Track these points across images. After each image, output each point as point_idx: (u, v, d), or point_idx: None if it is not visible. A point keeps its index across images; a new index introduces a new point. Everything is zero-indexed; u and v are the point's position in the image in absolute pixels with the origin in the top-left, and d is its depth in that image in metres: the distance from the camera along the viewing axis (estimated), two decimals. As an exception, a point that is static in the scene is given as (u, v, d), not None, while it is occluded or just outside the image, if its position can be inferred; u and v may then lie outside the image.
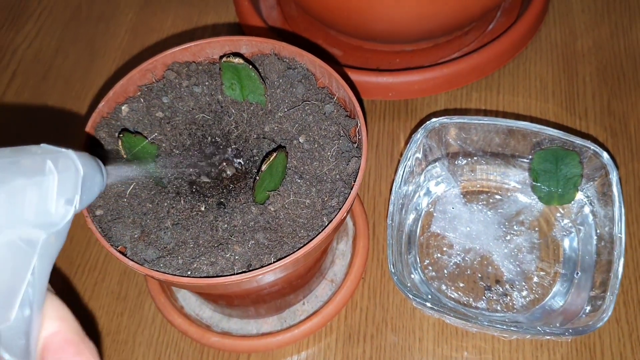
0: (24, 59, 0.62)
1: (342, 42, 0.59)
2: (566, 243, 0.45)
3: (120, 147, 0.35)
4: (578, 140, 0.43)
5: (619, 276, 0.39)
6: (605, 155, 0.42)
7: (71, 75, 0.60)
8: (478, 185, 0.48)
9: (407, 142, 0.52)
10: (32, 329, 0.21)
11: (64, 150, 0.22)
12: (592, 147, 0.43)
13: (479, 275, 0.45)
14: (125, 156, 0.35)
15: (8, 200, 0.20)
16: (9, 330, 0.21)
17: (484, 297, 0.44)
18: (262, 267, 0.33)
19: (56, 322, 0.23)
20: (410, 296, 0.39)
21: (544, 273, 0.44)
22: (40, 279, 0.21)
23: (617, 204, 0.41)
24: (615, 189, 0.41)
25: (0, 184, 0.19)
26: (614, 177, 0.42)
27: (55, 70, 0.61)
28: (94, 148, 0.37)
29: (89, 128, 0.37)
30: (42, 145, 0.23)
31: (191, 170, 0.37)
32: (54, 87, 0.60)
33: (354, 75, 0.54)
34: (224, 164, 0.38)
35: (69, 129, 0.57)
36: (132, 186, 0.37)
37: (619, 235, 0.40)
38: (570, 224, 0.46)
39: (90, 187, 0.24)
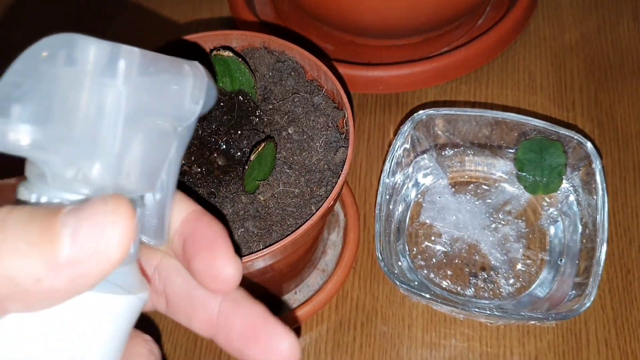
0: (21, 56, 0.63)
1: (334, 37, 0.60)
2: (552, 231, 0.46)
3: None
4: (562, 131, 0.44)
5: (602, 263, 0.40)
6: (588, 144, 0.43)
7: (68, 72, 0.61)
8: (466, 176, 0.49)
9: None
10: (165, 211, 0.24)
11: (192, 61, 0.25)
12: (575, 137, 0.43)
13: (467, 263, 0.46)
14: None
15: (159, 91, 0.22)
16: (144, 213, 0.23)
17: (471, 285, 0.45)
18: (251, 253, 0.34)
19: (191, 205, 0.25)
20: (397, 282, 0.40)
21: (530, 261, 0.45)
22: (174, 166, 0.24)
23: (600, 192, 0.42)
24: (598, 178, 0.42)
25: (153, 75, 0.21)
26: (597, 165, 0.43)
27: (52, 67, 0.62)
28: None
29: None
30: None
31: (183, 161, 0.38)
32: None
33: (346, 70, 0.55)
34: (215, 154, 0.39)
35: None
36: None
37: (602, 222, 0.41)
38: (556, 213, 0.46)
39: (209, 95, 0.26)
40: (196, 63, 0.25)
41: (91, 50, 0.19)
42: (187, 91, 0.23)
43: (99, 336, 0.21)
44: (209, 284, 0.24)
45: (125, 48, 0.20)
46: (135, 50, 0.21)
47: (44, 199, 0.20)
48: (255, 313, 0.24)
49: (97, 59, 0.20)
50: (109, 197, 0.19)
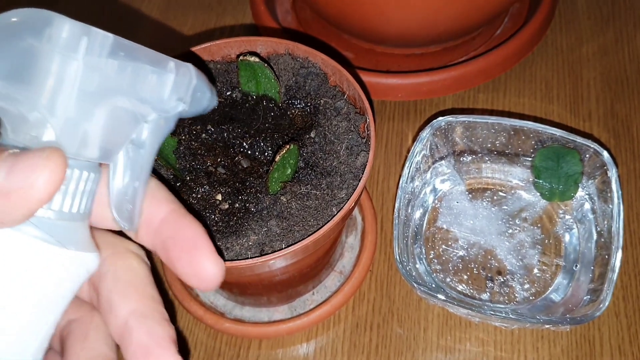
0: (50, 59, 0.65)
1: (354, 45, 0.61)
2: (567, 238, 0.47)
3: (143, 138, 0.37)
4: (579, 139, 0.45)
5: (616, 269, 0.40)
6: (605, 153, 0.44)
7: (94, 75, 0.63)
8: (483, 183, 0.50)
9: (414, 141, 0.54)
10: (138, 198, 0.26)
11: (185, 63, 0.27)
12: (592, 146, 0.44)
13: (482, 268, 0.46)
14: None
15: (133, 75, 0.24)
16: (120, 194, 0.25)
17: (487, 289, 0.45)
18: (274, 252, 0.35)
19: (170, 203, 0.27)
20: (415, 284, 0.41)
21: (545, 267, 0.46)
22: (149, 154, 0.26)
23: (615, 200, 0.43)
24: (614, 186, 0.43)
25: (131, 61, 0.24)
26: (613, 174, 0.43)
27: (79, 70, 0.64)
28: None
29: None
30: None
31: (208, 162, 0.40)
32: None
33: (365, 77, 0.56)
34: (240, 156, 0.40)
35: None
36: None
37: (617, 230, 0.42)
38: (571, 220, 0.47)
39: (200, 99, 0.27)
40: (189, 65, 0.27)
41: (64, 27, 0.22)
42: (167, 85, 0.25)
43: (28, 285, 0.23)
44: (195, 284, 0.26)
45: (96, 30, 0.23)
46: (109, 35, 0.23)
47: None
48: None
49: (68, 35, 0.22)
50: (47, 147, 0.22)
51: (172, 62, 0.26)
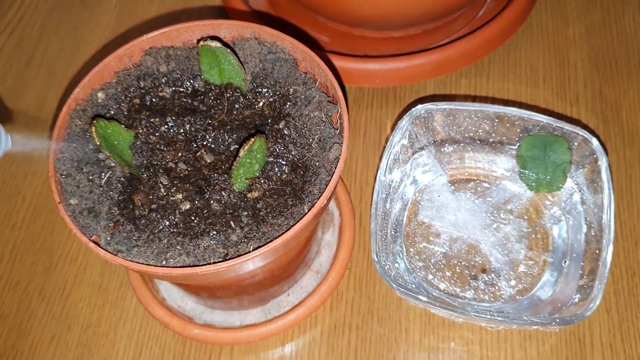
0: (6, 46, 0.61)
1: (330, 28, 0.57)
2: (555, 231, 0.44)
3: (94, 134, 0.34)
4: (567, 126, 0.42)
5: (608, 264, 0.38)
6: (594, 141, 0.41)
7: (54, 63, 0.59)
8: (466, 174, 0.47)
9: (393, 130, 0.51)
10: None
11: None
12: (581, 133, 0.42)
13: (466, 264, 0.44)
14: (98, 144, 0.34)
15: None
16: None
17: (470, 287, 0.43)
18: (239, 256, 0.32)
19: None
20: (394, 285, 0.38)
21: (532, 262, 0.44)
22: None
23: (606, 190, 0.40)
24: (604, 176, 0.40)
25: None
26: (603, 163, 0.41)
27: (38, 58, 0.60)
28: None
29: (63, 115, 0.36)
30: None
31: (168, 157, 0.36)
32: (37, 75, 0.59)
33: (341, 62, 0.52)
34: (203, 151, 0.37)
35: (51, 115, 0.56)
36: (107, 175, 0.36)
37: (608, 222, 0.39)
38: (559, 212, 0.45)
39: None
40: None
41: None
42: None
43: None
44: None
45: None
46: None
47: None
48: None
49: None
50: None
51: None
